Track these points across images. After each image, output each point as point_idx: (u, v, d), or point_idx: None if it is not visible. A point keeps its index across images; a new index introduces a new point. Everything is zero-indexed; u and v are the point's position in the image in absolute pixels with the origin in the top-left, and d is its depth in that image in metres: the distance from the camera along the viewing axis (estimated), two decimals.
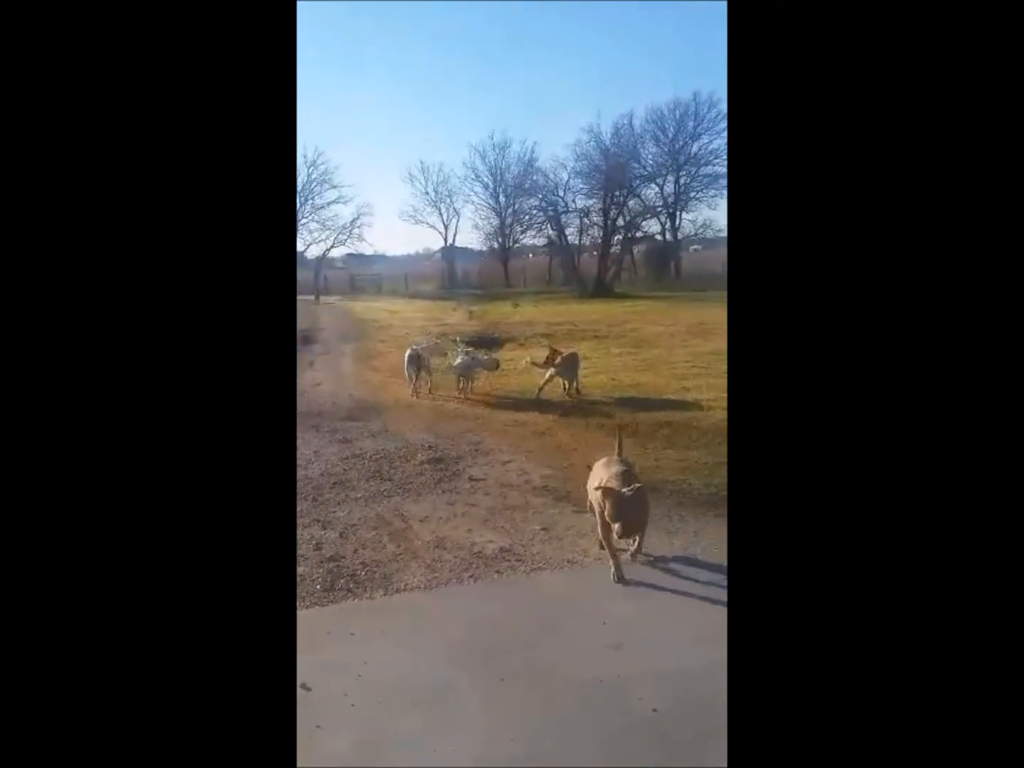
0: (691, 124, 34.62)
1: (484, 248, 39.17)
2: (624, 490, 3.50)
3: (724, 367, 8.71)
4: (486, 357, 9.52)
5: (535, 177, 33.57)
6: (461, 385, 8.64)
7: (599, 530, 3.77)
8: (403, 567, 3.92)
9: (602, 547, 3.83)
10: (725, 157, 34.42)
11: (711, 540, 4.03)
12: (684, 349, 11.96)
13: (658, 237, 35.29)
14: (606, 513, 3.54)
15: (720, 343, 12.25)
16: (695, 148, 34.84)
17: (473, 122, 76.25)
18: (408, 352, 8.82)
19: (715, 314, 16.88)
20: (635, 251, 33.77)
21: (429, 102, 76.21)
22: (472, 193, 40.93)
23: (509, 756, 2.36)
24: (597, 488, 3.66)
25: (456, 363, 8.82)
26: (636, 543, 3.88)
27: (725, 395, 6.92)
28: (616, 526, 3.48)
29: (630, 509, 3.48)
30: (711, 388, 8.24)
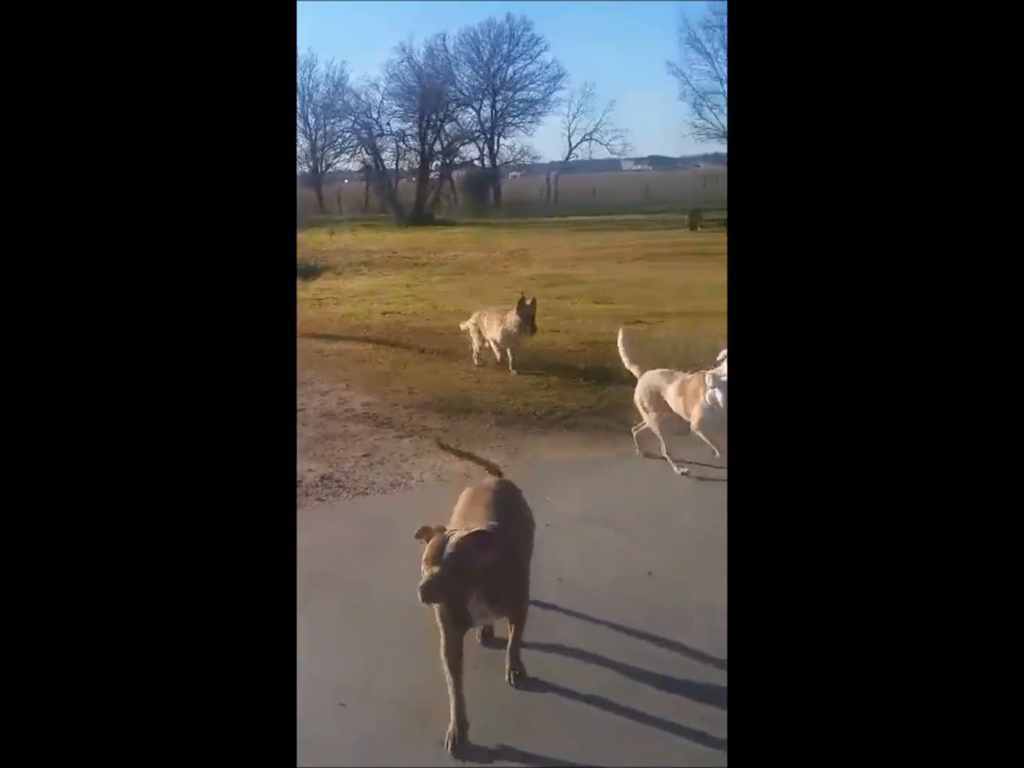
0: (506, 47, 34.33)
1: None
2: (449, 531, 1.99)
3: (541, 291, 8.88)
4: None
5: (346, 97, 31.97)
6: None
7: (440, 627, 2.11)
8: None
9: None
10: (541, 82, 34.51)
11: (527, 456, 4.19)
12: (505, 275, 12.12)
13: (476, 163, 35.12)
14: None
15: (539, 269, 12.55)
16: (510, 72, 34.70)
17: None
18: None
19: (534, 240, 17.20)
20: (454, 177, 33.39)
21: None
22: None
23: (326, 677, 2.36)
24: (418, 535, 2.04)
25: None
26: (511, 641, 2.28)
27: (548, 318, 7.00)
28: (427, 573, 1.89)
29: (456, 563, 1.90)
30: None
